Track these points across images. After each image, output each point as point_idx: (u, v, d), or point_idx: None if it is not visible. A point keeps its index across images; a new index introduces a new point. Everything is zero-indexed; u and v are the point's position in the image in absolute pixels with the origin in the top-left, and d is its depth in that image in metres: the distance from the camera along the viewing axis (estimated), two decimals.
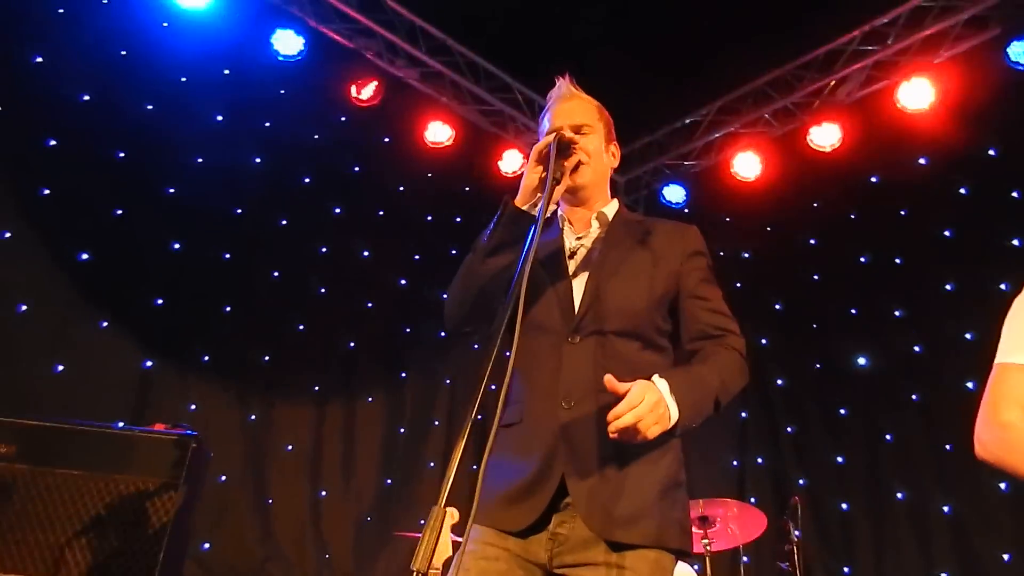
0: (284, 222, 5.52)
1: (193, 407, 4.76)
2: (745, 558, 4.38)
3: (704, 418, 1.72)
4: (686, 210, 7.15)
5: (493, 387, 1.35)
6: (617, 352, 1.75)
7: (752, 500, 5.66)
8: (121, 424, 3.84)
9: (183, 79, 5.26)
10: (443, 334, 5.13)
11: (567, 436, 1.67)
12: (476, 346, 5.23)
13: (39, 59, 4.70)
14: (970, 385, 5.10)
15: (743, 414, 6.49)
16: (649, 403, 1.53)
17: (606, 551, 1.60)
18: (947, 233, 5.85)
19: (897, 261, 6.04)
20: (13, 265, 4.33)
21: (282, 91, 5.60)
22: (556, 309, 1.80)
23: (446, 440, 5.51)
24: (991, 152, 5.73)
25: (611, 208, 1.99)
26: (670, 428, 1.59)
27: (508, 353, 1.40)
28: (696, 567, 4.68)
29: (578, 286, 1.82)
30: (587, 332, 1.75)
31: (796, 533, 4.12)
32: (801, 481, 5.95)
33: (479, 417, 1.32)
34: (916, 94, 5.67)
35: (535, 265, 1.83)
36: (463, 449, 1.27)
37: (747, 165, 6.51)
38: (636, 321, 1.79)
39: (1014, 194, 5.54)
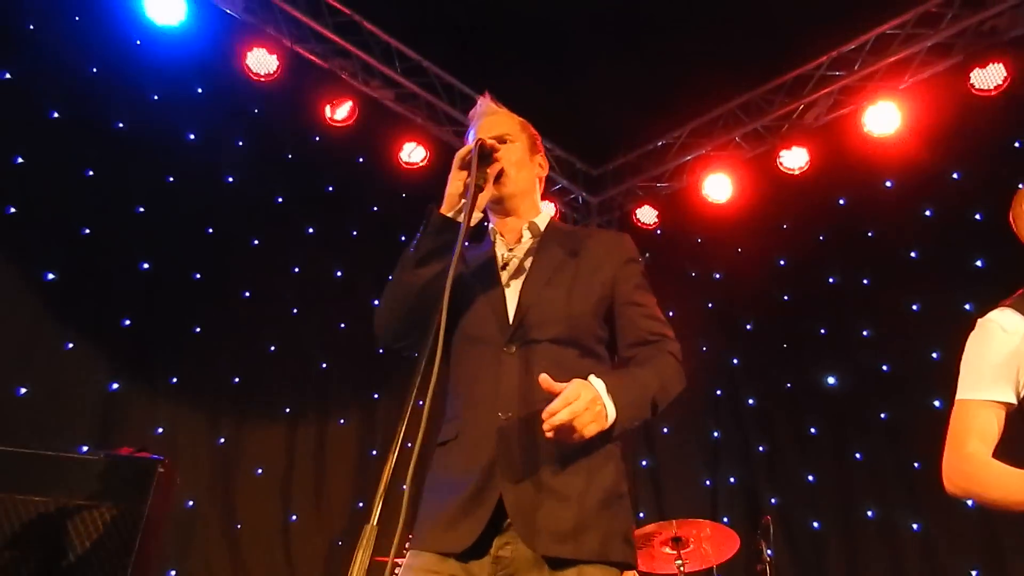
0: (256, 242, 5.48)
1: (160, 430, 4.67)
2: None
3: (642, 420, 1.70)
4: (658, 231, 7.22)
5: (421, 403, 1.33)
6: (554, 360, 1.71)
7: (725, 520, 5.69)
8: (85, 448, 3.77)
9: (155, 97, 5.22)
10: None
11: (504, 449, 1.63)
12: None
13: (7, 75, 4.64)
14: (937, 403, 5.18)
15: (715, 433, 6.53)
16: (585, 400, 1.51)
17: (551, 572, 1.56)
18: (913, 254, 5.97)
19: (865, 282, 6.14)
20: None
21: (256, 110, 5.58)
22: (491, 320, 1.77)
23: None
24: (955, 175, 5.87)
25: (543, 219, 1.99)
26: (607, 428, 1.57)
27: (434, 365, 1.37)
28: None
29: (511, 296, 1.80)
30: (523, 341, 1.73)
31: (768, 552, 4.14)
32: (773, 500, 5.99)
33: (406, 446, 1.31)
34: (882, 118, 5.81)
35: (468, 277, 1.86)
36: (409, 468, 1.27)
37: (718, 187, 6.61)
38: (572, 328, 1.77)
39: (977, 216, 5.67)
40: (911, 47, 5.78)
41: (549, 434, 1.51)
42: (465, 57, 6.09)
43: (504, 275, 1.85)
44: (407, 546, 1.71)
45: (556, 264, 1.85)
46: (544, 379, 1.54)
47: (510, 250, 1.91)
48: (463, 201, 1.73)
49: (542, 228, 1.95)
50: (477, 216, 1.76)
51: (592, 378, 1.59)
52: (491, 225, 1.99)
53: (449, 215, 1.75)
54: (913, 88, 5.85)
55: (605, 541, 1.59)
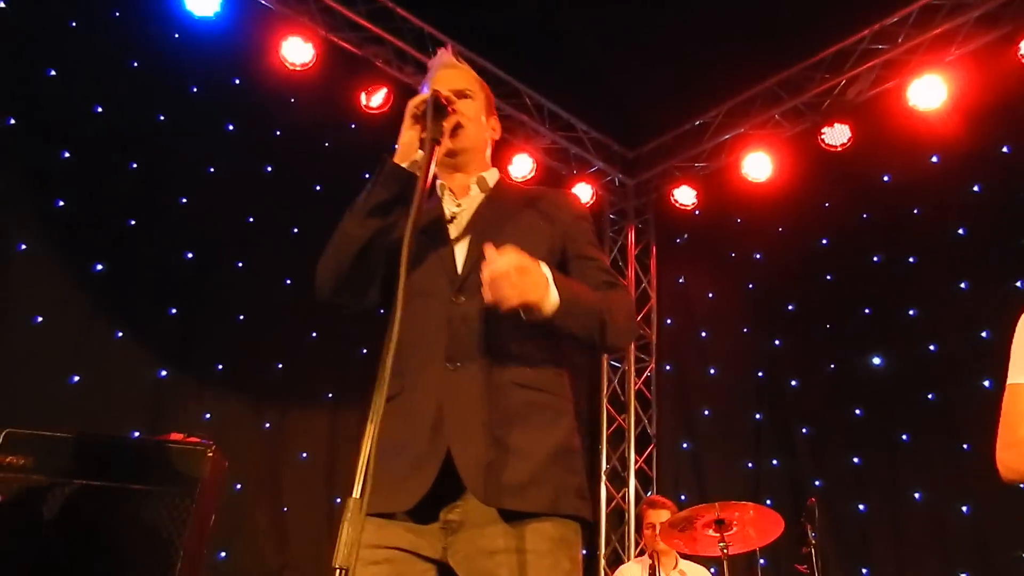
0: (296, 230, 5.54)
1: (208, 416, 4.78)
2: (762, 561, 4.36)
3: (586, 328, 1.64)
4: (697, 212, 7.13)
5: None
6: (504, 311, 1.66)
7: (768, 502, 5.63)
8: (137, 434, 3.87)
9: (194, 89, 5.30)
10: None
11: (452, 400, 1.58)
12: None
13: (52, 72, 4.74)
14: (986, 384, 5.06)
15: (757, 416, 6.46)
16: (527, 261, 1.50)
17: (504, 532, 1.51)
18: (960, 231, 5.80)
19: (910, 260, 5.99)
20: (29, 277, 4.36)
21: (292, 99, 5.63)
22: (439, 273, 1.72)
23: None
24: (1004, 149, 5.69)
25: (492, 175, 1.94)
26: (549, 316, 1.54)
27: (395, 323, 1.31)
28: (713, 570, 4.66)
29: (460, 249, 1.75)
30: (472, 291, 1.65)
31: (813, 535, 4.08)
32: (817, 483, 5.91)
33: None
34: (927, 92, 5.65)
35: (426, 232, 1.78)
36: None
37: (757, 166, 6.50)
38: None
39: None
40: (956, 18, 5.59)
41: (487, 293, 1.48)
42: (498, 41, 6.06)
43: (452, 229, 1.81)
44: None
45: (506, 217, 1.80)
46: (488, 247, 1.50)
47: (458, 205, 1.86)
48: (419, 152, 1.69)
49: (491, 184, 1.91)
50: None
51: (541, 264, 1.56)
52: (439, 180, 1.95)
53: (403, 165, 1.70)
54: (959, 60, 5.66)
55: (558, 494, 1.56)
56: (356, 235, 1.69)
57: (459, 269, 1.72)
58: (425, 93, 1.71)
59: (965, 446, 5.33)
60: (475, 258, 1.69)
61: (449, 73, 1.94)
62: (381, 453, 1.57)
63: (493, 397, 1.58)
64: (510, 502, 1.51)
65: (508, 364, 1.63)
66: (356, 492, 1.20)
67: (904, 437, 5.68)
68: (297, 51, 5.56)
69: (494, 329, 1.64)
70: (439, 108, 1.67)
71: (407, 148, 1.72)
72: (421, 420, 1.58)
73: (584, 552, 6.56)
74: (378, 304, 1.83)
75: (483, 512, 1.53)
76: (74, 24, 4.92)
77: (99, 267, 4.65)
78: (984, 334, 5.37)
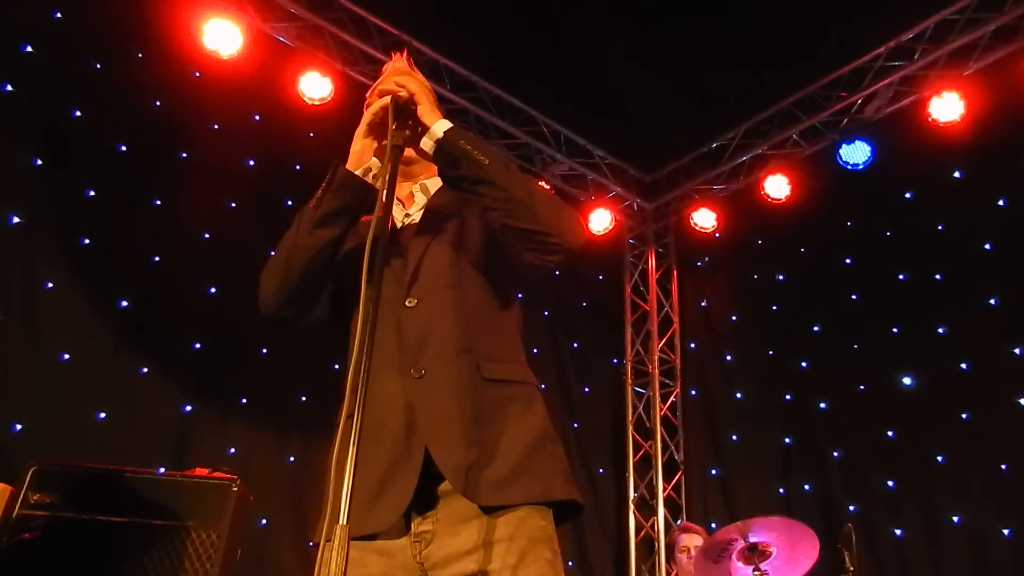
0: None
1: (233, 450, 4.76)
2: None
3: (487, 169, 1.58)
4: (717, 235, 7.09)
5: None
6: (456, 306, 1.64)
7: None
8: (163, 469, 3.85)
9: (215, 126, 5.36)
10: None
11: (423, 406, 1.53)
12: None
13: (78, 113, 4.83)
14: (1022, 401, 4.94)
15: (787, 439, 6.35)
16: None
17: (479, 527, 1.46)
18: (987, 246, 5.72)
19: (937, 277, 5.91)
20: (56, 314, 4.39)
21: (311, 133, 5.69)
22: (389, 279, 1.66)
23: None
24: None
25: (434, 182, 1.92)
26: (441, 139, 1.58)
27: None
28: None
29: (408, 255, 1.72)
30: (421, 292, 1.64)
31: (851, 562, 3.97)
32: (852, 508, 5.78)
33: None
34: (946, 107, 5.61)
35: (361, 246, 1.77)
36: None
37: (777, 187, 6.47)
38: (470, 271, 1.70)
39: None
40: (973, 32, 5.58)
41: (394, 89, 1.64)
42: (513, 70, 6.11)
43: (401, 237, 1.78)
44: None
45: (448, 214, 1.79)
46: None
47: (407, 215, 1.85)
48: (372, 160, 1.70)
49: (432, 190, 1.90)
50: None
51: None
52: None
53: (358, 172, 1.69)
54: (978, 74, 5.63)
55: (548, 482, 1.53)
56: (305, 245, 1.66)
57: (407, 273, 1.68)
58: (384, 100, 1.67)
59: (1003, 466, 5.20)
60: (417, 259, 1.69)
61: (402, 79, 1.87)
62: (344, 473, 1.53)
63: (464, 396, 1.54)
64: (500, 497, 1.47)
65: (473, 362, 1.60)
66: (342, 519, 1.17)
67: (939, 458, 5.55)
68: (315, 86, 5.63)
69: (452, 328, 1.62)
70: (400, 111, 1.64)
71: (359, 156, 1.72)
72: (389, 431, 1.52)
73: None
74: (325, 319, 1.81)
75: (457, 514, 1.49)
76: (99, 66, 5.01)
77: (124, 303, 4.68)
78: (1017, 350, 5.27)
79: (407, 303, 1.64)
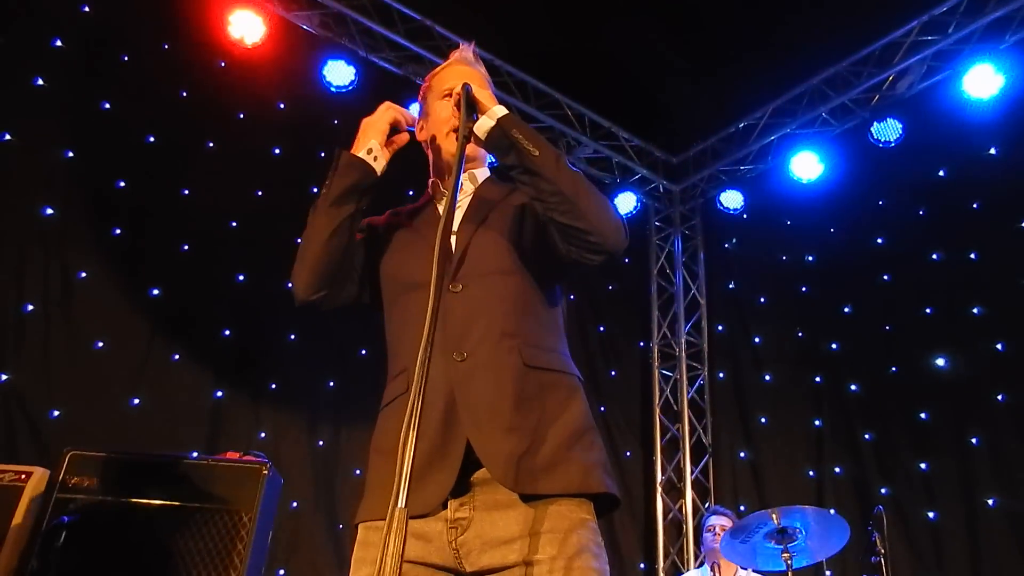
0: None
1: (263, 435, 4.84)
2: (829, 572, 4.22)
3: (539, 161, 1.59)
4: (744, 216, 7.01)
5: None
6: (501, 292, 1.64)
7: (832, 511, 5.45)
8: (196, 454, 3.93)
9: (241, 115, 5.41)
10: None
11: (464, 392, 1.53)
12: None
13: (107, 105, 4.90)
14: None
15: (817, 422, 6.28)
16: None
17: (519, 518, 1.45)
18: (1023, 224, 5.58)
19: (972, 257, 5.79)
20: (90, 304, 4.48)
21: (336, 121, 5.71)
22: (432, 263, 1.69)
23: None
24: None
25: (482, 172, 1.93)
26: (496, 124, 1.59)
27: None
28: None
29: (454, 241, 1.73)
30: (467, 277, 1.65)
31: (883, 545, 3.92)
32: (884, 490, 5.72)
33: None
34: (981, 82, 5.46)
35: (407, 231, 1.83)
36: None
37: (806, 166, 6.37)
38: (517, 257, 1.70)
39: None
40: (1012, 3, 5.40)
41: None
42: (537, 53, 6.07)
43: (457, 214, 1.80)
44: (355, 521, 1.60)
45: (495, 204, 1.79)
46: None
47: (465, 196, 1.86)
48: (371, 142, 1.75)
49: (480, 179, 1.90)
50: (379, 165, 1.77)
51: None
52: (434, 180, 1.93)
53: (360, 155, 1.74)
54: (1015, 47, 5.47)
55: (585, 473, 1.51)
56: (322, 223, 1.71)
57: (453, 258, 1.69)
58: (458, 87, 1.68)
59: None
60: (465, 244, 1.70)
61: (471, 72, 1.92)
62: (387, 455, 1.54)
63: (506, 383, 1.54)
64: (541, 486, 1.46)
65: (516, 348, 1.59)
66: (401, 501, 1.16)
67: (974, 441, 5.45)
68: (339, 73, 5.66)
69: (496, 313, 1.61)
70: (471, 104, 1.64)
71: (360, 139, 1.78)
72: (430, 416, 1.50)
73: (642, 566, 6.46)
74: (359, 302, 1.85)
75: (494, 502, 1.48)
76: (126, 58, 5.08)
77: (155, 292, 4.76)
78: None
79: (452, 288, 1.65)
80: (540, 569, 1.42)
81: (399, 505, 1.16)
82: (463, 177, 1.88)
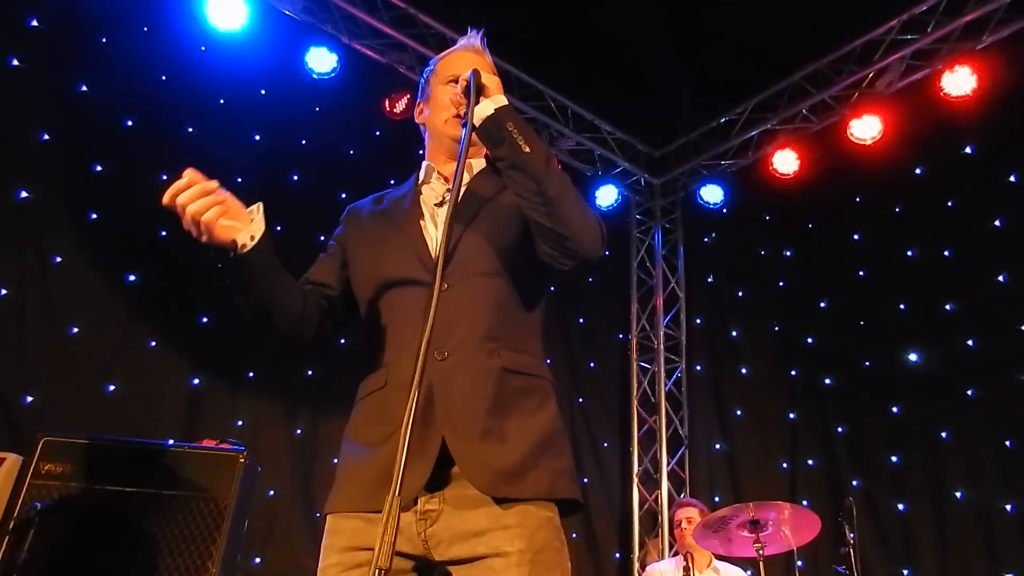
0: (322, 238, 5.56)
1: (240, 423, 4.82)
2: (800, 562, 4.28)
3: (532, 157, 1.58)
4: (724, 210, 7.06)
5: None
6: (486, 293, 1.66)
7: (805, 503, 5.54)
8: (172, 441, 3.91)
9: (221, 101, 5.36)
10: None
11: (442, 391, 1.54)
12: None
13: (84, 88, 4.84)
14: None
15: (792, 415, 6.36)
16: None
17: (488, 514, 1.49)
18: (997, 223, 5.68)
19: (946, 254, 5.87)
20: (65, 288, 4.43)
21: (317, 108, 5.68)
22: (415, 258, 1.69)
23: None
24: None
25: (479, 163, 1.91)
26: (493, 114, 1.57)
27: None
28: (750, 572, 4.59)
29: (442, 237, 1.70)
30: (452, 277, 1.64)
31: (852, 535, 4.00)
32: (855, 482, 5.81)
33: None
34: (959, 81, 5.54)
35: (388, 223, 1.80)
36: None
37: (785, 162, 6.43)
38: (503, 260, 1.69)
39: None
40: (988, 3, 5.47)
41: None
42: (521, 44, 6.05)
43: (440, 214, 1.79)
44: (325, 512, 1.63)
45: (485, 199, 1.78)
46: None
47: (449, 191, 1.80)
48: (241, 235, 1.60)
49: (475, 170, 1.89)
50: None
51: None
52: (429, 162, 1.90)
53: (244, 249, 1.59)
54: (992, 47, 5.54)
55: (553, 479, 1.55)
56: (261, 314, 1.69)
57: (434, 255, 1.67)
58: (466, 72, 1.66)
59: (1008, 443, 5.21)
60: (456, 244, 1.68)
61: (481, 61, 1.88)
62: (359, 449, 1.58)
63: (484, 386, 1.56)
64: (509, 490, 1.50)
65: (496, 351, 1.61)
66: (395, 490, 1.19)
67: (944, 435, 5.55)
68: (321, 60, 5.62)
69: (479, 315, 1.63)
70: (479, 90, 1.63)
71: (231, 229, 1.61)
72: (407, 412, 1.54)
73: (618, 555, 6.51)
74: (335, 331, 1.86)
75: (465, 498, 1.51)
76: (104, 40, 5.01)
77: (132, 277, 4.72)
78: None
79: (440, 286, 1.64)
80: (508, 561, 1.46)
81: (394, 494, 1.19)
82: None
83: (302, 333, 1.76)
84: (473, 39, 1.93)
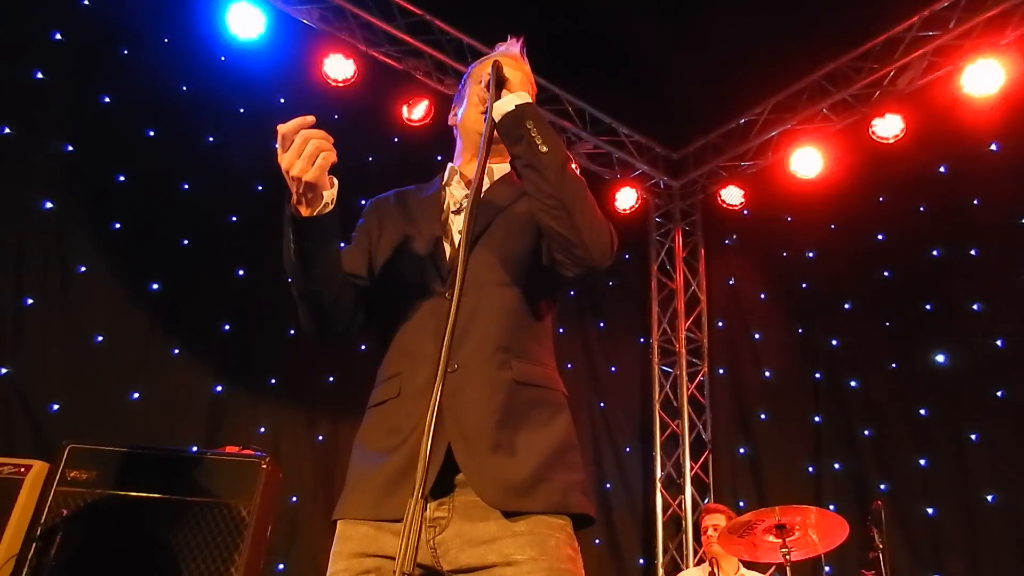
0: (342, 245, 5.59)
1: (263, 429, 4.84)
2: (827, 568, 4.22)
3: (549, 160, 1.55)
4: (745, 212, 7.00)
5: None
6: (498, 305, 1.63)
7: (831, 507, 5.46)
8: (195, 448, 3.93)
9: (241, 110, 5.41)
10: None
11: (453, 402, 1.51)
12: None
13: (107, 99, 4.90)
14: None
15: (816, 418, 6.28)
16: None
17: (498, 524, 1.45)
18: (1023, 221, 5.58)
19: (972, 253, 5.78)
20: (89, 298, 4.49)
21: (335, 115, 5.70)
22: (430, 267, 1.67)
23: None
24: None
25: (501, 168, 1.86)
26: (516, 110, 1.55)
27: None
28: None
29: (458, 244, 1.67)
30: (465, 286, 1.56)
31: (880, 540, 3.93)
32: (882, 486, 5.72)
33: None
34: (982, 78, 5.45)
35: (410, 223, 1.77)
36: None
37: (806, 162, 6.36)
38: (516, 270, 1.67)
39: None
40: None
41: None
42: (538, 48, 6.04)
43: (456, 220, 1.76)
44: (334, 518, 1.61)
45: (503, 207, 1.75)
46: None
47: (467, 196, 1.77)
48: (329, 193, 1.59)
49: (497, 175, 1.87)
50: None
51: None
52: (454, 165, 1.89)
53: (313, 213, 1.58)
54: (1016, 42, 5.46)
55: (565, 493, 1.51)
56: (308, 291, 1.65)
57: (447, 262, 1.66)
58: (487, 65, 1.66)
59: None
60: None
61: (510, 63, 1.83)
62: (369, 457, 1.57)
63: (495, 398, 1.53)
64: (518, 503, 1.46)
65: (508, 362, 1.59)
66: (417, 494, 1.17)
67: (973, 436, 5.45)
68: (339, 68, 5.65)
69: (491, 326, 1.61)
70: (499, 83, 1.61)
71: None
72: (418, 422, 1.50)
73: (642, 561, 6.46)
74: (365, 325, 1.80)
75: (473, 504, 1.48)
76: (126, 52, 5.08)
77: (155, 286, 4.76)
78: None
79: (449, 297, 1.60)
80: (520, 569, 1.42)
81: (416, 497, 1.17)
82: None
83: (337, 320, 1.71)
84: (513, 47, 1.93)
